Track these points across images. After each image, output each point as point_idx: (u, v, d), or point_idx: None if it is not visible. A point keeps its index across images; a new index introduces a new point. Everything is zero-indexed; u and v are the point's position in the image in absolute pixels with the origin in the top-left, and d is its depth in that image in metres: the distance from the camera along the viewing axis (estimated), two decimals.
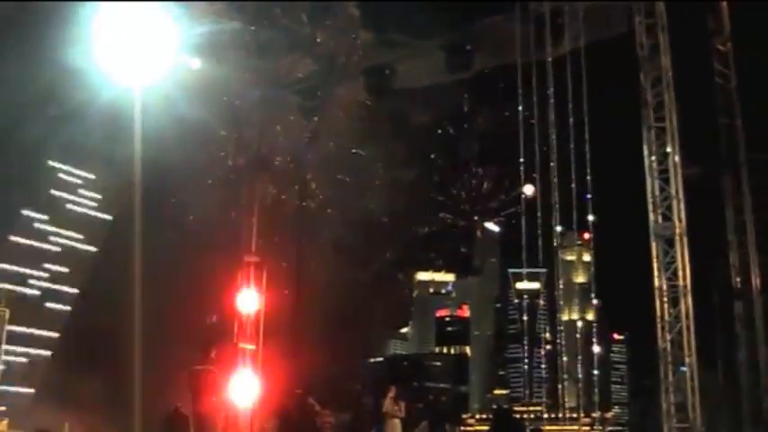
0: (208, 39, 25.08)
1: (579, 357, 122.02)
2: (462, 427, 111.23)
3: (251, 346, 24.47)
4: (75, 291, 62.19)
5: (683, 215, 21.71)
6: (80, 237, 61.61)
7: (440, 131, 67.63)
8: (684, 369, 21.08)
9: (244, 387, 23.83)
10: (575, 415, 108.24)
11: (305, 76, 28.33)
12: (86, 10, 22.04)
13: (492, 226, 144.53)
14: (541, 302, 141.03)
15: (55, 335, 61.35)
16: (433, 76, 28.45)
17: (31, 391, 58.49)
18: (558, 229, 33.44)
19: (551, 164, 28.11)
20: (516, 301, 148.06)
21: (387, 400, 23.23)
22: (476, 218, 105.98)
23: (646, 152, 22.20)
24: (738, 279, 26.04)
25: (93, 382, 43.25)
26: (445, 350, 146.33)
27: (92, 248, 59.66)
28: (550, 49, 23.85)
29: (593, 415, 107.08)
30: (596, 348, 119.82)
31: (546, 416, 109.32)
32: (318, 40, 26.19)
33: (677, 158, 21.88)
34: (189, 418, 20.67)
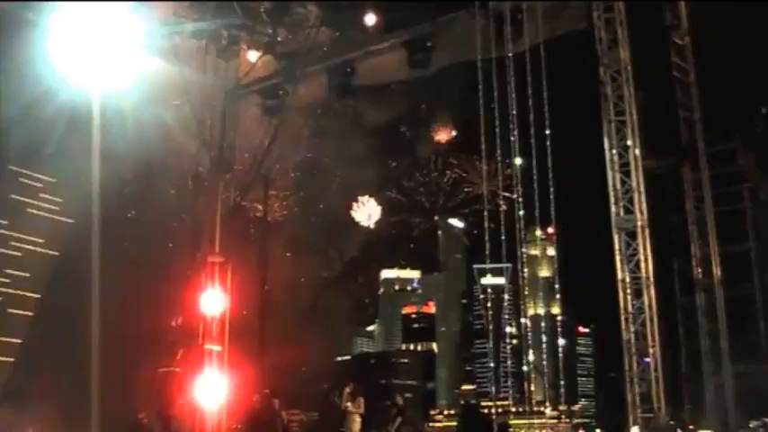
0: (169, 39, 24.90)
1: (545, 351, 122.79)
2: (430, 423, 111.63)
3: (217, 347, 24.37)
4: (37, 296, 61.58)
5: (644, 208, 21.94)
6: (41, 241, 61.06)
7: (400, 130, 67.83)
8: (648, 360, 21.31)
9: (210, 388, 23.72)
10: (542, 408, 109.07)
11: (266, 75, 28.27)
12: (45, 10, 21.79)
13: (456, 222, 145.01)
14: (506, 297, 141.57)
15: (17, 341, 60.73)
16: (394, 74, 28.47)
17: None
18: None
19: (513, 159, 28.17)
20: (482, 296, 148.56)
21: (344, 397, 23.20)
22: (437, 217, 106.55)
23: (607, 146, 22.41)
24: (700, 270, 26.34)
25: (56, 386, 42.87)
26: (412, 347, 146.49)
27: (53, 253, 59.07)
28: (511, 46, 23.92)
29: (561, 408, 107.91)
30: (562, 341, 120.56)
31: (513, 410, 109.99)
32: (279, 38, 26.11)
33: (638, 152, 22.10)
34: (152, 428, 20.55)
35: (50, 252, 59.91)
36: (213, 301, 24.66)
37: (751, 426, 21.93)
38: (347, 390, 23.33)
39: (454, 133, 69.16)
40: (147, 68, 25.75)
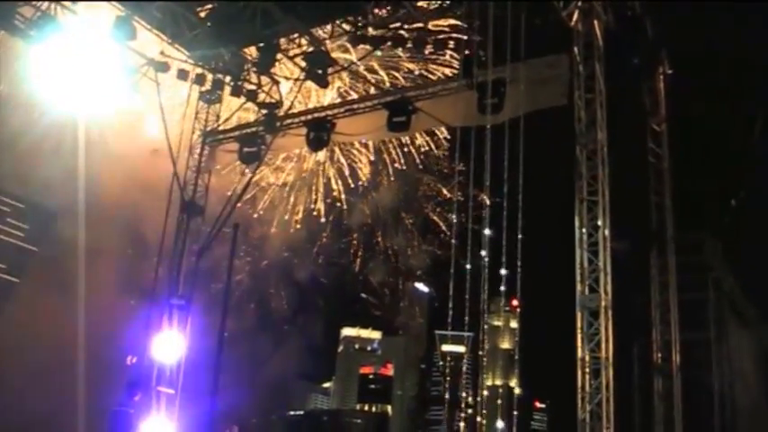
0: (154, 78, 24.94)
1: (499, 423, 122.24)
2: None
3: (170, 391, 24.08)
4: None
5: (609, 288, 21.94)
6: (3, 266, 60.24)
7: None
8: None
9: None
10: None
11: (246, 123, 28.33)
12: (30, 39, 21.83)
13: (421, 286, 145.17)
14: (465, 366, 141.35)
15: None
16: (372, 133, 28.61)
17: None
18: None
19: (485, 229, 28.29)
20: (441, 363, 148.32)
21: None
22: (404, 278, 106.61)
23: (577, 224, 22.46)
24: (659, 355, 26.40)
25: (12, 415, 42.12)
26: (366, 407, 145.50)
27: (14, 279, 58.26)
28: (490, 117, 24.05)
29: None
30: (517, 414, 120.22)
31: None
32: (263, 88, 26.20)
33: (607, 232, 22.18)
34: None
35: (11, 278, 59.09)
36: (170, 343, 24.43)
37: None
38: None
39: None
40: (128, 105, 25.82)
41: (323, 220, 64.60)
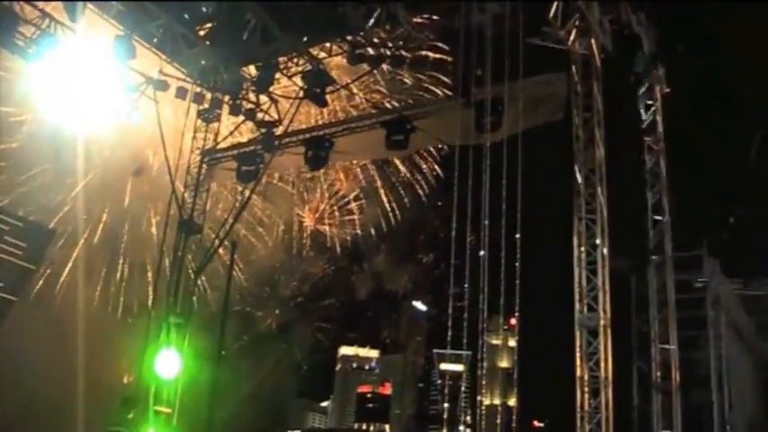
0: (153, 95, 24.97)
1: None
2: None
3: (167, 410, 23.95)
4: None
5: (608, 307, 21.92)
6: (1, 285, 60.03)
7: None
8: None
9: None
10: None
11: (244, 141, 28.34)
12: (29, 57, 21.89)
13: (419, 305, 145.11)
14: (464, 385, 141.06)
15: None
16: (371, 152, 28.64)
17: None
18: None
19: (481, 251, 28.19)
20: (439, 381, 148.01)
21: None
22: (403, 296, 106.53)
23: (575, 242, 22.46)
24: (658, 373, 26.33)
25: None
26: (364, 426, 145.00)
27: (11, 297, 58.08)
28: (489, 135, 24.03)
29: None
30: None
31: None
32: (262, 106, 26.21)
33: (605, 251, 22.17)
34: None
35: (9, 296, 58.89)
36: (168, 362, 24.33)
37: None
38: None
39: None
40: (127, 121, 25.86)
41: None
